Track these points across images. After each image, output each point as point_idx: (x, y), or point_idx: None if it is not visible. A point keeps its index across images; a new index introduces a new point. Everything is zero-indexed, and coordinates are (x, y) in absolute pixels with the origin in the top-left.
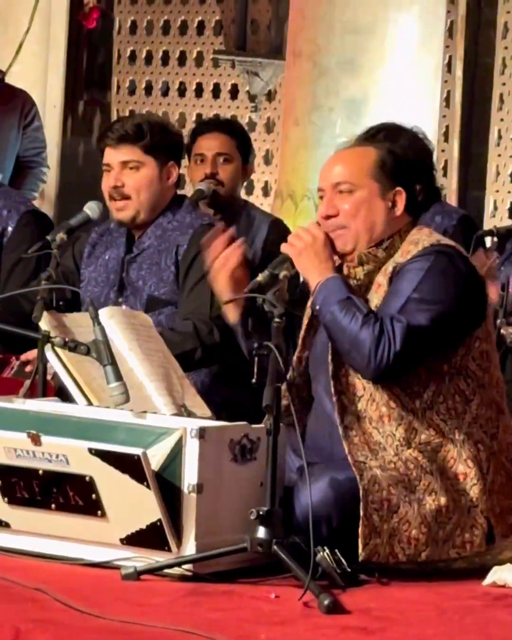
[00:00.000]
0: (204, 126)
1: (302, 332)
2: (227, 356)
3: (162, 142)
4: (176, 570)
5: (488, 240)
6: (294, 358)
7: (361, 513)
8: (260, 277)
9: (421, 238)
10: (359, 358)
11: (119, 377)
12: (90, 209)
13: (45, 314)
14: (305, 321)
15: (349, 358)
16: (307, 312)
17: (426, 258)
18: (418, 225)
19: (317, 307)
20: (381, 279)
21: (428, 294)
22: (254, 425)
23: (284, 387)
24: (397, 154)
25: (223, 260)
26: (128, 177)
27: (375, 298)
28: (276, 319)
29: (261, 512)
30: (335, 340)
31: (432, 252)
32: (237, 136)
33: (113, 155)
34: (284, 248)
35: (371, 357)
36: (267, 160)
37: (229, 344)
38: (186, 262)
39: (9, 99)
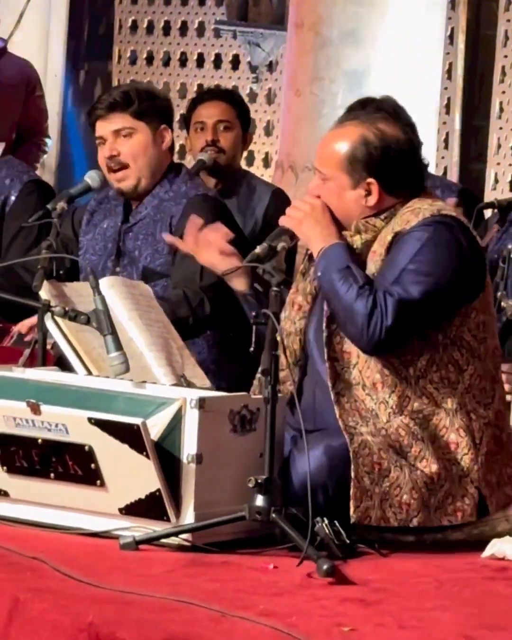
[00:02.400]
0: (204, 95)
1: (303, 304)
2: (217, 325)
3: (151, 107)
4: (174, 541)
5: (489, 212)
6: (298, 328)
7: (352, 475)
8: (258, 250)
9: (423, 207)
10: (353, 329)
11: (119, 346)
12: (91, 178)
13: (45, 283)
14: (306, 291)
15: (344, 328)
16: (306, 280)
17: (425, 228)
18: (424, 193)
19: (319, 273)
20: (377, 247)
21: (424, 265)
22: (253, 396)
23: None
24: (372, 144)
25: (204, 241)
26: (122, 145)
27: (372, 266)
28: (274, 288)
29: (259, 480)
30: (332, 309)
31: (432, 223)
32: (237, 105)
33: (104, 126)
34: (283, 221)
35: (363, 330)
36: (268, 131)
37: (218, 314)
38: (179, 234)
39: (11, 68)
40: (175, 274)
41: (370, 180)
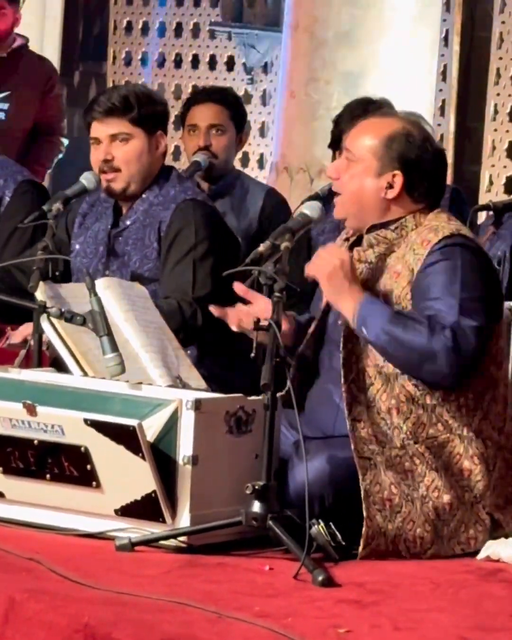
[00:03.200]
0: (198, 96)
1: (322, 304)
2: (207, 337)
3: (149, 113)
4: (170, 542)
5: (484, 215)
6: (309, 331)
7: (364, 514)
8: (261, 248)
9: (440, 225)
10: (435, 368)
11: (115, 348)
12: (87, 179)
13: (41, 284)
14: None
15: (419, 369)
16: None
17: (451, 253)
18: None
19: (364, 331)
20: (400, 267)
21: (475, 291)
22: (250, 398)
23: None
24: (412, 140)
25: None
26: (117, 150)
27: (396, 287)
28: (276, 294)
29: (256, 487)
30: (396, 358)
31: (454, 245)
32: (231, 106)
33: (101, 129)
34: (310, 270)
35: (450, 364)
36: (263, 132)
37: (210, 326)
38: (168, 239)
39: (30, 65)
40: (167, 281)
41: (396, 172)
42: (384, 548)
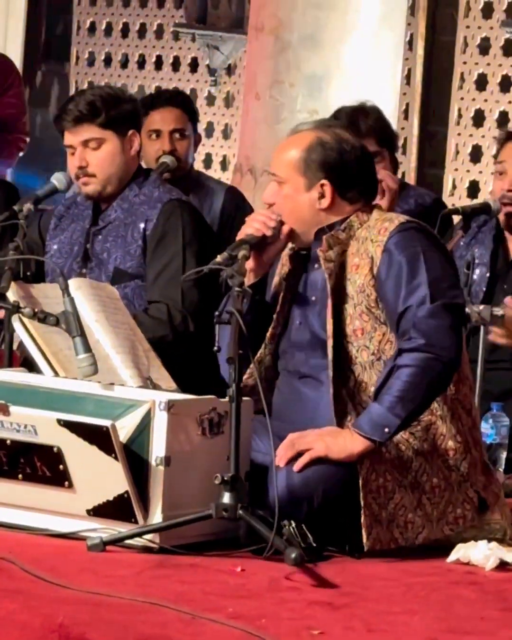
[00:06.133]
0: (156, 99)
1: (277, 307)
2: (198, 345)
3: (118, 114)
4: (142, 542)
5: (455, 219)
6: (268, 334)
7: (362, 502)
8: (219, 258)
9: (390, 216)
10: (447, 370)
11: (88, 348)
12: (58, 179)
13: (12, 284)
14: (280, 296)
15: (444, 386)
16: (281, 285)
17: (409, 238)
18: (379, 207)
19: (388, 435)
20: (357, 260)
21: (439, 271)
22: (222, 399)
23: (251, 366)
24: (328, 143)
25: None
26: (91, 156)
27: (358, 278)
28: (237, 288)
29: (225, 478)
30: (427, 405)
31: (408, 229)
32: (189, 110)
33: (72, 138)
34: (313, 454)
35: (454, 366)
36: (226, 134)
37: (202, 333)
38: (154, 239)
39: None
40: (155, 286)
41: (323, 181)
42: (382, 536)
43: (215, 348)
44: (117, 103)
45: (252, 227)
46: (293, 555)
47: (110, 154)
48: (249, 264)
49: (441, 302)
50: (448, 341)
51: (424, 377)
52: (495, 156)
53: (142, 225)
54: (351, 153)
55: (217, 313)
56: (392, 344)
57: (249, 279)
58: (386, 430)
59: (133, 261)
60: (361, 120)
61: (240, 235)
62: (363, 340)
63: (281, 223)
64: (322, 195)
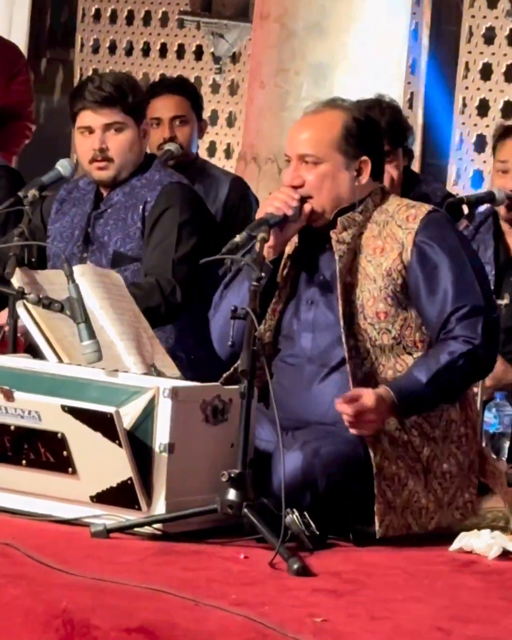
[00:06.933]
0: (156, 88)
1: (279, 283)
2: (187, 314)
3: (139, 102)
4: (146, 529)
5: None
6: (269, 309)
7: (375, 491)
8: (237, 239)
9: (412, 203)
10: (482, 369)
11: (92, 335)
12: (63, 166)
13: (17, 270)
14: (283, 273)
15: (473, 382)
16: (286, 262)
17: (441, 229)
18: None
19: (415, 409)
20: (380, 242)
21: (480, 262)
22: (226, 387)
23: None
24: (362, 121)
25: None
26: (111, 140)
27: (383, 261)
28: (253, 282)
29: (231, 475)
30: (456, 395)
31: (438, 220)
32: (190, 95)
33: (94, 118)
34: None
35: (492, 351)
36: (230, 122)
37: (190, 303)
38: (152, 218)
39: None
40: (149, 260)
41: (364, 158)
42: (396, 523)
43: (230, 343)
44: (138, 90)
45: (273, 205)
46: (295, 567)
47: (130, 140)
48: (269, 241)
49: (486, 303)
50: (494, 342)
51: (472, 375)
52: (493, 150)
53: (141, 208)
54: (380, 131)
55: (232, 308)
56: (412, 330)
57: (268, 255)
58: (414, 409)
59: (133, 243)
60: (377, 117)
61: (260, 214)
62: (386, 323)
63: (302, 202)
64: (359, 173)
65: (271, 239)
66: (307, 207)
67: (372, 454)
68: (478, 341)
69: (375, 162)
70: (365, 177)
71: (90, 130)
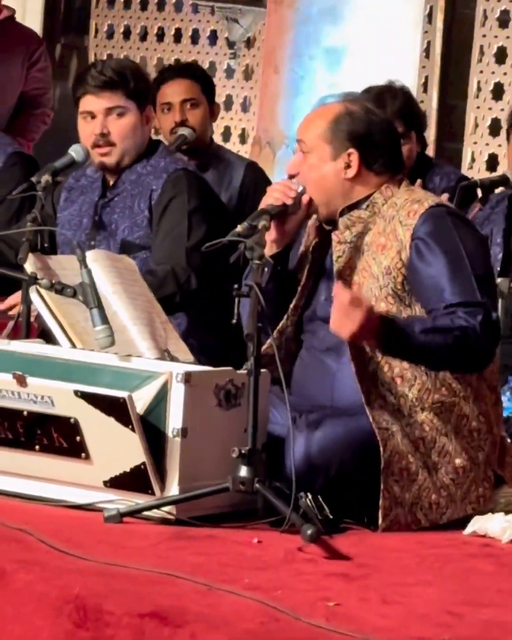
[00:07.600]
0: (165, 73)
1: (302, 279)
2: (202, 301)
3: (142, 87)
4: (159, 514)
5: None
6: (291, 305)
7: (381, 486)
8: (239, 228)
9: (419, 196)
10: (472, 354)
11: (105, 320)
12: (75, 151)
13: (30, 255)
14: (305, 268)
15: (460, 365)
16: (307, 257)
17: (441, 225)
18: (406, 182)
19: (392, 349)
20: (383, 240)
21: (483, 263)
22: (239, 371)
23: (274, 335)
24: (356, 112)
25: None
26: (113, 125)
27: (384, 259)
28: (256, 260)
29: (242, 451)
30: (440, 361)
31: (439, 215)
32: (200, 79)
33: (96, 102)
34: (334, 328)
35: (488, 347)
36: (245, 107)
37: (205, 291)
38: (160, 207)
39: (16, 37)
40: (159, 249)
41: (351, 150)
42: (402, 518)
43: (234, 320)
44: (142, 76)
45: (272, 197)
46: (309, 532)
47: (132, 125)
48: (271, 234)
49: (485, 300)
50: (492, 340)
51: (461, 353)
52: (507, 134)
53: (148, 196)
54: (378, 125)
55: (236, 285)
56: None
57: (271, 250)
58: (396, 347)
59: (140, 231)
60: (388, 101)
61: (261, 206)
62: None
63: (301, 193)
64: (348, 165)
65: (273, 232)
66: (305, 198)
67: (381, 450)
68: (478, 329)
69: (370, 153)
70: (353, 170)
71: (92, 115)
